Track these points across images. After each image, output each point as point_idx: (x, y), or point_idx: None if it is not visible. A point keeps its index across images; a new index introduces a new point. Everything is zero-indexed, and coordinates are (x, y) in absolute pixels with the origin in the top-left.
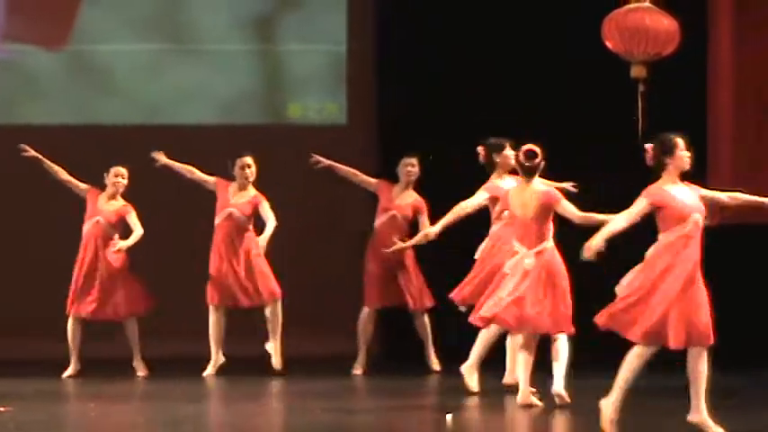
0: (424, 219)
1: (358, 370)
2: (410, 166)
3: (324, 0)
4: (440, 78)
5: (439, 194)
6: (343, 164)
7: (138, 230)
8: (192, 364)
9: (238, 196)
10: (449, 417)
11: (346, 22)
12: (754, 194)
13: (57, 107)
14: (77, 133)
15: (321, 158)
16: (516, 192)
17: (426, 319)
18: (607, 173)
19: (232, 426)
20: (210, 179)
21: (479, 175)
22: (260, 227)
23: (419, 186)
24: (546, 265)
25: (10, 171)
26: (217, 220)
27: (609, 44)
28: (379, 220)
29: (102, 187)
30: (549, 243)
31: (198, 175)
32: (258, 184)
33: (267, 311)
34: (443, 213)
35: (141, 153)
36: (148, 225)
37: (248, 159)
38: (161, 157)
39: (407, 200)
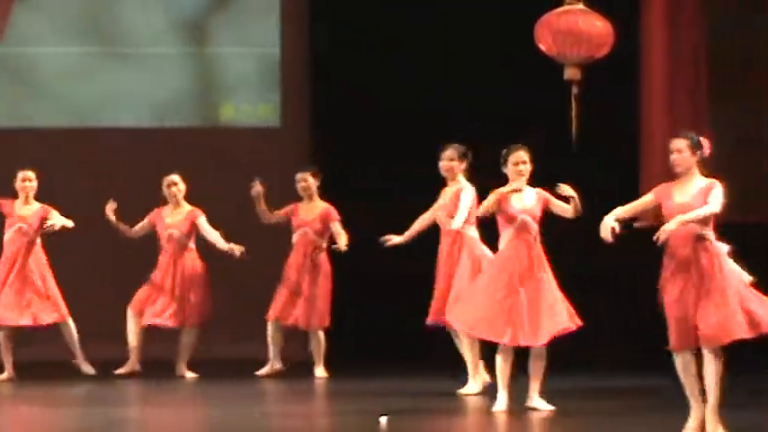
0: (335, 226)
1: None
2: (302, 182)
3: (256, 2)
4: (373, 80)
5: (373, 196)
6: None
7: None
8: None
9: (174, 215)
10: (382, 420)
11: (279, 25)
12: None
13: None
14: (7, 136)
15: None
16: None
17: (321, 335)
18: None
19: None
20: (145, 221)
21: (413, 177)
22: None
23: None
24: None
25: None
26: (162, 245)
27: (542, 47)
28: (294, 238)
29: (12, 195)
30: None
31: (136, 228)
32: (192, 187)
33: (183, 335)
34: (388, 213)
35: (73, 157)
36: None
37: (174, 177)
38: (110, 214)
39: (314, 213)
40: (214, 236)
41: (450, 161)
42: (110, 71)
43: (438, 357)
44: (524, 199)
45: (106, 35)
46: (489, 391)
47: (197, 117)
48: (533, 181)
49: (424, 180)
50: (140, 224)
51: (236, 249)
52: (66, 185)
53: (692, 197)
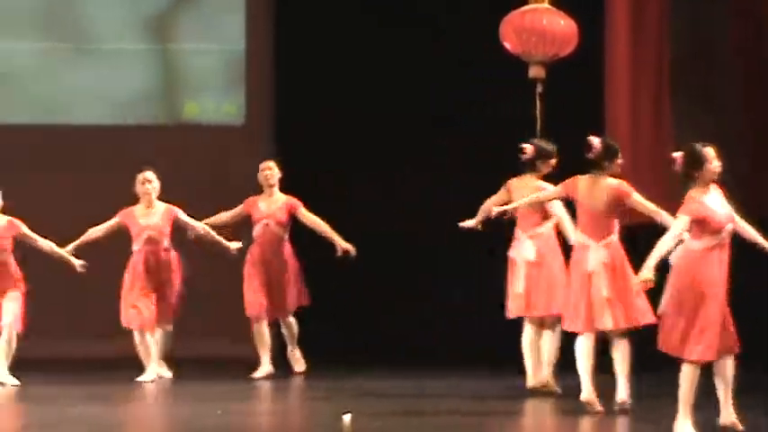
0: (302, 213)
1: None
2: (267, 170)
3: None
4: (339, 78)
5: (335, 194)
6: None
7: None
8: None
9: (149, 215)
10: (346, 417)
11: (244, 22)
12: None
13: None
14: None
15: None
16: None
17: (292, 319)
18: (507, 173)
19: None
20: (113, 221)
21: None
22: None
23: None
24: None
25: None
26: (136, 246)
27: (507, 45)
28: (255, 231)
29: None
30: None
31: (102, 230)
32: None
33: (157, 334)
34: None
35: (34, 154)
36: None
37: (148, 174)
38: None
39: (277, 204)
40: (200, 227)
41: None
42: (73, 67)
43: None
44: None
45: (70, 31)
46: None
47: (161, 114)
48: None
49: (385, 178)
50: (107, 225)
51: (233, 247)
52: (28, 183)
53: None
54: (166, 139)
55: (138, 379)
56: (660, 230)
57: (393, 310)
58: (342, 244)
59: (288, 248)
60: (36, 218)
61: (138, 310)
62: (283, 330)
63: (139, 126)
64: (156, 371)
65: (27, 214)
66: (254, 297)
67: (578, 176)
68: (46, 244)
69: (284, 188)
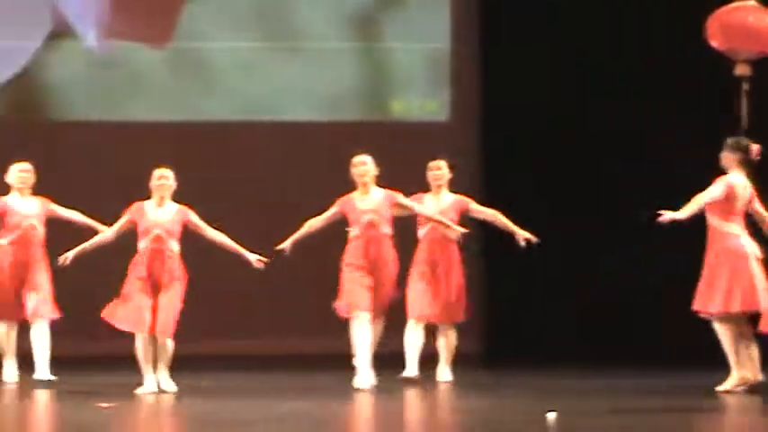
0: (475, 209)
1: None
2: (436, 170)
3: None
4: (544, 76)
5: (540, 194)
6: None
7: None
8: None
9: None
10: (550, 415)
11: (449, 20)
12: None
13: (158, 104)
14: (179, 130)
15: None
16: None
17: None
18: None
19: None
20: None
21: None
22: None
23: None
24: None
25: (113, 167)
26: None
27: (713, 43)
28: (423, 230)
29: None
30: None
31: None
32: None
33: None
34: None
35: (243, 150)
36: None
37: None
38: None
39: (447, 202)
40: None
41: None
42: (281, 65)
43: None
44: None
45: (278, 30)
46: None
47: (366, 112)
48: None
49: (589, 178)
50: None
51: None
52: (241, 178)
53: None
54: (373, 136)
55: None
56: None
57: (604, 307)
58: (522, 234)
59: (457, 252)
60: (239, 212)
61: None
62: (440, 341)
63: (345, 123)
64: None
65: (231, 209)
66: (419, 298)
67: None
68: (218, 235)
69: (485, 185)
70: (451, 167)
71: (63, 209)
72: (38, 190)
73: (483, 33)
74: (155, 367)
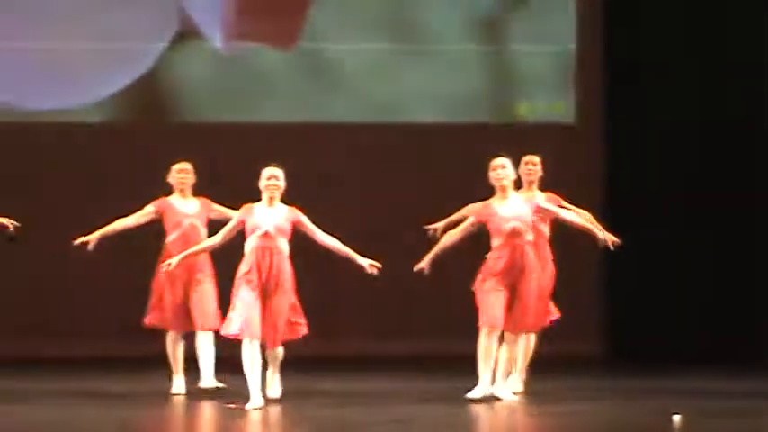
0: (567, 207)
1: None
2: (531, 165)
3: (551, 0)
4: (672, 78)
5: (664, 197)
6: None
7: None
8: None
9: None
10: (676, 417)
11: (575, 22)
12: None
13: (284, 105)
14: (305, 131)
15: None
16: None
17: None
18: None
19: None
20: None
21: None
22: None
23: None
24: None
25: (238, 167)
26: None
27: None
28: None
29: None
30: None
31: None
32: (485, 185)
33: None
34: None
35: (369, 151)
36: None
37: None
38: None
39: (541, 198)
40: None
41: None
42: (407, 67)
43: None
44: None
45: (403, 32)
46: None
47: (492, 114)
48: None
49: (719, 183)
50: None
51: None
52: (364, 178)
53: None
54: (498, 139)
55: None
56: None
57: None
58: (604, 236)
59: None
60: (361, 213)
61: None
62: (507, 349)
63: (473, 125)
64: None
65: (352, 209)
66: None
67: None
68: (329, 240)
69: (609, 188)
70: (542, 164)
71: (225, 209)
72: (162, 191)
73: (608, 34)
74: (264, 373)
